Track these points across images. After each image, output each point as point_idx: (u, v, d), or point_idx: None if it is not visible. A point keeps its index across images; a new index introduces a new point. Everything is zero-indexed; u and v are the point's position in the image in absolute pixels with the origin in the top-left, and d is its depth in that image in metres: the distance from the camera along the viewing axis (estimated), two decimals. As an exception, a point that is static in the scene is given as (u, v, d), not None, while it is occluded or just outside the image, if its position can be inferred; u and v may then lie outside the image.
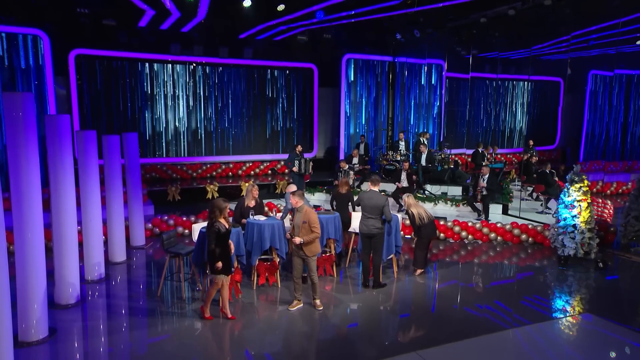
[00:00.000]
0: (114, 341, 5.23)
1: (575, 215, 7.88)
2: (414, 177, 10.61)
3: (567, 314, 6.03)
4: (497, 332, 5.42)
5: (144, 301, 6.26)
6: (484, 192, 10.13)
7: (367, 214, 6.37)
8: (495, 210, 10.75)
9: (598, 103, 19.30)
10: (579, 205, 7.87)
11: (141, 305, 6.18)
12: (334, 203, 7.81)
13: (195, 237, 6.51)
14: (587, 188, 7.95)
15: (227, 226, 5.32)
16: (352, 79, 15.43)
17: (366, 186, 12.12)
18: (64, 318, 5.62)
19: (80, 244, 6.62)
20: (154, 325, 5.55)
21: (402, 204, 7.07)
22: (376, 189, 6.53)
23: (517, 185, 13.40)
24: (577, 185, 7.93)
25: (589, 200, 7.91)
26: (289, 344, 5.17)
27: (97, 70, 12.79)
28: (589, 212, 7.89)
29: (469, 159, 16.12)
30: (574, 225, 7.87)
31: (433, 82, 16.67)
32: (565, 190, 8.08)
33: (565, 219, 7.97)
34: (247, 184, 6.71)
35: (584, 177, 7.94)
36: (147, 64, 13.46)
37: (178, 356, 4.77)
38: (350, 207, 7.74)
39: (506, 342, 5.19)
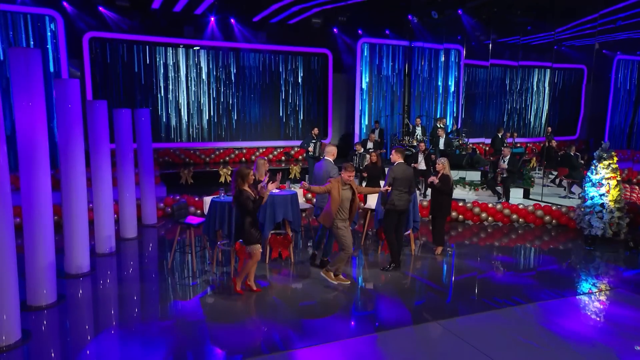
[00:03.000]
0: (121, 307, 5.12)
1: (603, 194, 7.51)
2: (433, 156, 10.30)
3: (597, 289, 5.72)
4: (521, 305, 5.16)
5: (154, 272, 6.14)
6: (504, 175, 9.79)
7: (402, 188, 6.03)
8: (515, 195, 10.40)
9: (624, 90, 18.67)
10: (608, 183, 7.51)
11: (151, 275, 6.07)
12: (366, 176, 8.15)
13: (206, 209, 6.36)
14: (617, 165, 7.57)
15: (253, 194, 5.10)
16: (368, 64, 15.16)
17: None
18: (73, 286, 5.54)
19: (91, 222, 6.55)
20: (164, 294, 5.41)
21: (437, 167, 6.75)
22: (402, 160, 6.25)
23: (539, 173, 13.00)
24: (606, 162, 7.56)
25: (618, 178, 7.53)
26: (314, 313, 4.97)
27: (111, 53, 12.77)
28: (619, 191, 7.51)
29: (487, 148, 15.75)
30: (602, 205, 7.50)
31: (451, 68, 16.30)
32: (593, 167, 7.72)
33: (592, 198, 7.61)
34: (258, 159, 6.53)
35: (613, 153, 7.57)
36: (161, 48, 13.41)
37: (188, 326, 4.62)
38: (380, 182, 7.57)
39: (530, 315, 4.92)
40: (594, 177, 7.64)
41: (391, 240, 6.16)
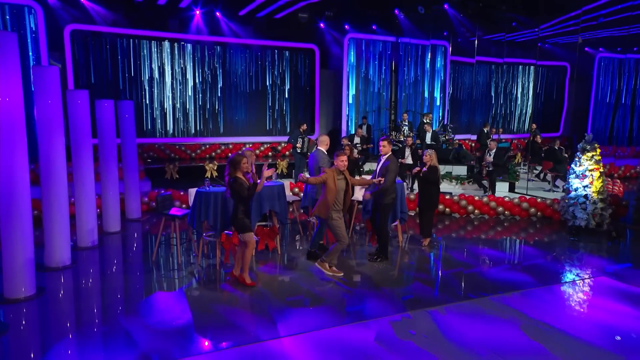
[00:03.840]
0: (103, 299, 5.01)
1: (587, 185, 7.61)
2: (419, 151, 10.33)
3: (580, 277, 5.77)
4: (509, 292, 5.18)
5: (137, 264, 6.04)
6: (490, 168, 9.87)
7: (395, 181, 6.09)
8: (501, 189, 10.47)
9: (606, 88, 18.99)
10: (591, 174, 7.61)
11: (134, 268, 5.96)
12: None
13: (191, 201, 6.26)
14: (600, 157, 7.68)
15: (246, 182, 5.03)
16: (355, 60, 15.14)
17: (368, 166, 12.02)
18: (53, 279, 5.40)
19: (73, 217, 6.43)
20: (146, 286, 5.31)
21: (424, 159, 6.69)
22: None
23: (524, 169, 13.14)
24: (589, 154, 7.67)
25: (601, 170, 7.64)
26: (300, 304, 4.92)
27: (93, 47, 12.53)
28: (602, 182, 7.62)
29: (473, 144, 15.87)
30: (586, 196, 7.61)
31: (437, 65, 16.38)
32: (576, 159, 7.81)
33: (576, 189, 7.71)
34: (245, 150, 6.46)
35: (596, 145, 7.68)
36: (146, 42, 13.20)
37: (171, 317, 4.53)
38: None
39: (518, 302, 4.94)
40: (578, 169, 7.74)
41: (386, 233, 6.17)
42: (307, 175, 5.15)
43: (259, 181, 5.13)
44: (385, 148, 6.09)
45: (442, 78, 16.45)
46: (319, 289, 5.22)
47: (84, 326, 4.39)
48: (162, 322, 4.37)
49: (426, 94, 16.29)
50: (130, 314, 4.59)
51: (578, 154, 7.78)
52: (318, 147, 6.39)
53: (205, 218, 5.69)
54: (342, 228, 5.44)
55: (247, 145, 14.61)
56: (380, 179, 5.80)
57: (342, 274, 5.58)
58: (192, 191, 6.40)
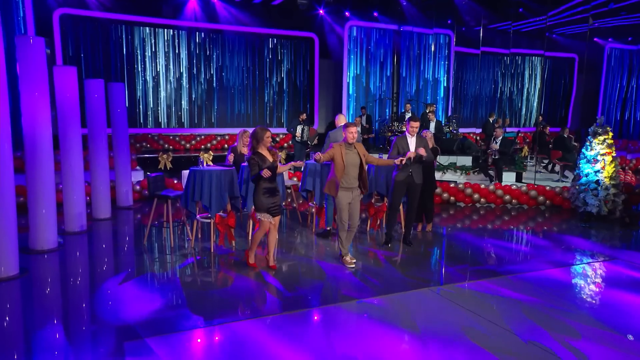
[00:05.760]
0: (91, 280, 4.89)
1: (598, 170, 7.50)
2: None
3: (593, 260, 5.66)
4: (518, 274, 5.08)
5: (126, 248, 5.93)
6: (496, 156, 9.76)
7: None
8: (508, 179, 10.37)
9: (616, 80, 18.90)
10: (603, 159, 7.50)
11: (122, 250, 5.86)
12: None
13: (184, 182, 6.16)
14: (612, 141, 7.57)
15: (270, 158, 4.87)
16: (356, 48, 15.05)
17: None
18: (37, 261, 5.29)
19: (60, 205, 6.33)
20: (135, 267, 5.19)
21: (422, 135, 6.45)
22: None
23: (531, 162, 13.03)
24: (601, 138, 7.56)
25: (613, 154, 7.53)
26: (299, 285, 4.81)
27: (84, 32, 12.42)
28: (614, 167, 7.51)
29: (477, 138, 15.78)
30: (597, 182, 7.49)
31: (440, 55, 16.29)
32: (587, 144, 7.70)
33: (587, 175, 7.60)
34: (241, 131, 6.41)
35: (608, 128, 7.57)
36: (139, 28, 13.10)
37: (159, 293, 4.42)
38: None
39: (528, 282, 4.83)
40: (589, 154, 7.62)
41: (395, 212, 6.00)
42: (319, 154, 4.97)
43: (280, 164, 4.98)
44: (414, 129, 5.76)
45: (446, 68, 16.35)
46: (312, 269, 5.11)
47: (69, 306, 4.27)
48: (150, 300, 4.25)
49: (429, 85, 16.19)
50: (114, 294, 4.47)
51: (589, 137, 7.67)
52: (339, 126, 6.48)
53: (199, 198, 5.57)
54: (345, 210, 5.14)
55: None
56: (402, 158, 5.46)
57: (354, 265, 5.21)
58: (186, 172, 6.29)
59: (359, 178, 5.12)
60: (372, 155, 5.44)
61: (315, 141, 11.18)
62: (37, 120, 5.42)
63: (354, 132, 5.03)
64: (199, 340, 3.58)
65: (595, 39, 18.17)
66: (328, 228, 6.36)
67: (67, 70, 6.34)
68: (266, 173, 4.68)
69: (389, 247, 6.00)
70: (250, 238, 6.13)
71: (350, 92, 15.15)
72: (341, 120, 6.65)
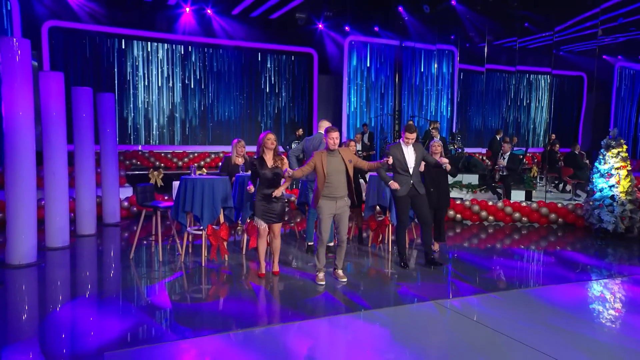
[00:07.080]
0: (72, 292, 4.74)
1: (613, 185, 7.44)
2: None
3: (609, 278, 5.52)
4: (532, 287, 4.95)
5: (109, 263, 5.80)
6: (504, 172, 9.70)
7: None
8: (517, 197, 10.29)
9: (626, 99, 19.06)
10: (618, 173, 7.45)
11: (105, 265, 5.72)
12: None
13: (174, 194, 6.07)
14: (627, 154, 7.54)
15: (270, 164, 4.96)
16: (357, 64, 15.21)
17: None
18: (13, 274, 5.16)
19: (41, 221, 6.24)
20: (116, 280, 5.05)
21: (432, 150, 6.16)
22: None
23: (540, 182, 12.97)
24: (615, 151, 7.53)
25: (629, 168, 7.49)
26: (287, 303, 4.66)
27: (74, 46, 12.54)
28: (629, 181, 7.45)
29: (484, 157, 15.77)
30: (612, 197, 7.42)
31: (444, 71, 16.46)
32: (601, 157, 7.67)
33: (601, 190, 7.54)
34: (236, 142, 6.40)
35: (622, 141, 7.54)
36: (131, 42, 13.24)
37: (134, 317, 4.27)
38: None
39: (540, 297, 4.69)
40: (603, 167, 7.58)
41: (402, 231, 5.68)
42: (290, 171, 4.78)
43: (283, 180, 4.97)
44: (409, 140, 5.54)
45: (450, 86, 16.49)
46: (307, 283, 4.97)
47: (44, 315, 4.12)
48: (136, 309, 4.11)
49: (432, 102, 16.30)
50: (99, 302, 4.32)
51: (602, 150, 7.64)
52: (319, 131, 6.23)
53: (190, 208, 5.47)
54: (325, 222, 4.82)
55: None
56: (387, 159, 5.15)
57: (346, 280, 5.05)
58: (176, 184, 6.21)
59: (348, 186, 4.92)
60: (362, 160, 5.20)
61: None
62: (19, 126, 5.37)
63: (335, 138, 4.80)
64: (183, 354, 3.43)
65: (604, 57, 18.41)
66: (310, 243, 6.22)
67: (54, 76, 6.33)
68: (250, 189, 4.95)
69: (409, 269, 5.70)
70: (243, 253, 6.08)
71: (352, 109, 15.22)
72: (323, 125, 6.16)
